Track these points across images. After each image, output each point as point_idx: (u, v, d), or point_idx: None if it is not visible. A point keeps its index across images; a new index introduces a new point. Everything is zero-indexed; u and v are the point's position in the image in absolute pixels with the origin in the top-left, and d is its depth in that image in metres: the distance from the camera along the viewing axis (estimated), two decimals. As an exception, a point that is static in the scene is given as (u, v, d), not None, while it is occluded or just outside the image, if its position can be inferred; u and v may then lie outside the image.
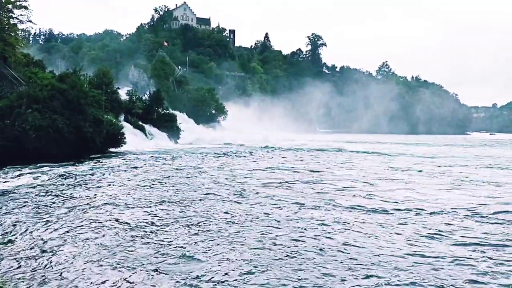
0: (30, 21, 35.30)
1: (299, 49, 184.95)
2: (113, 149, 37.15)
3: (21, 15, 34.38)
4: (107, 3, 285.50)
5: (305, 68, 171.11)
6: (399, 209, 14.56)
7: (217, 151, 41.34)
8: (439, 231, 11.83)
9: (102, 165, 26.76)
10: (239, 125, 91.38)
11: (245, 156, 36.62)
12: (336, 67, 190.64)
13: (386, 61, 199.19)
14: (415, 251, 10.06)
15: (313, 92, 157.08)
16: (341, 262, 9.20)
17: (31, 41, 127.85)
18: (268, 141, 60.24)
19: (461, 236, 11.37)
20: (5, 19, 33.26)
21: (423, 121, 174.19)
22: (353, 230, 11.78)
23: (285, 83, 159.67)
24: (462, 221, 13.11)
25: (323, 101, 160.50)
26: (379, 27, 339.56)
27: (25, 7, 34.24)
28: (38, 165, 24.94)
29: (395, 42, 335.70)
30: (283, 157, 36.11)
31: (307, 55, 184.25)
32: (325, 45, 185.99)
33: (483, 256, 9.75)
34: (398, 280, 8.24)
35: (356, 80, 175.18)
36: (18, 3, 33.87)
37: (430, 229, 12.04)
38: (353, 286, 8.03)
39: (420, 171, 26.91)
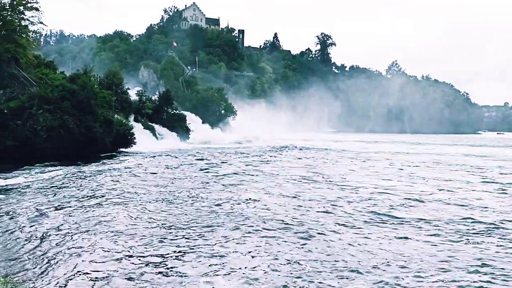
0: (41, 23, 35.36)
1: (308, 48, 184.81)
2: (123, 149, 37.38)
3: (32, 16, 34.47)
4: (117, 4, 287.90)
5: (314, 68, 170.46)
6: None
7: (226, 151, 41.33)
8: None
9: (111, 164, 26.91)
10: (248, 125, 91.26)
11: (256, 155, 36.55)
12: (346, 67, 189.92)
13: (396, 60, 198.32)
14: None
15: (323, 91, 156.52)
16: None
17: (42, 43, 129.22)
18: (276, 141, 60.19)
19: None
20: (17, 20, 33.47)
21: (433, 120, 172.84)
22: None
23: (295, 82, 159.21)
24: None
25: (332, 101, 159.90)
26: (386, 27, 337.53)
27: (36, 9, 34.34)
28: (49, 164, 25.16)
29: (404, 41, 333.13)
30: (287, 158, 36.00)
31: (316, 55, 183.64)
32: (334, 45, 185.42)
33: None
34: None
35: (366, 79, 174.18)
36: (29, 5, 34.05)
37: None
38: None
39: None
